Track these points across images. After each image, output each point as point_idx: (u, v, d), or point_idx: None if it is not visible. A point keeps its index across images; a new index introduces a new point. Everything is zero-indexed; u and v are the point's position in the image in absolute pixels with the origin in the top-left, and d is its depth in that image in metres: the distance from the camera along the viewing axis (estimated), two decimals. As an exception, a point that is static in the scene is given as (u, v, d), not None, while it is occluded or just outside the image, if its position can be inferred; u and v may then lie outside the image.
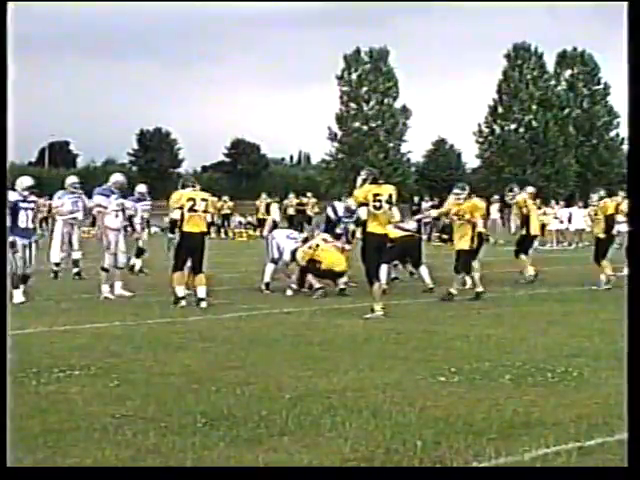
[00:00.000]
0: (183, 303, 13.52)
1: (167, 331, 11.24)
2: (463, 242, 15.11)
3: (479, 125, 72.99)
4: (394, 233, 16.75)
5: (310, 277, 15.50)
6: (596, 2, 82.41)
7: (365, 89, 72.04)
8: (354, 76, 72.35)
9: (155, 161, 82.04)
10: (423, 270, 16.33)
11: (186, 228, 13.86)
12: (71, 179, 18.95)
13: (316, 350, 9.77)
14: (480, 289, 15.10)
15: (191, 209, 13.82)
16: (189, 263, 14.07)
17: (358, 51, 72.78)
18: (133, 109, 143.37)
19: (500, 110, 72.17)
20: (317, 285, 15.20)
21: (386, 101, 72.35)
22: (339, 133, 72.69)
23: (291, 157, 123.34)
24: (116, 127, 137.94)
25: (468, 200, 15.34)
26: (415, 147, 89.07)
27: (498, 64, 72.72)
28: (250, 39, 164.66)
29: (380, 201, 12.72)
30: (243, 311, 13.18)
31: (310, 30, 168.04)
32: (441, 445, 5.98)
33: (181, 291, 13.75)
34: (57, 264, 17.90)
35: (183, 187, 14.36)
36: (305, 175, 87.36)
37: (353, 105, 72.38)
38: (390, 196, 12.88)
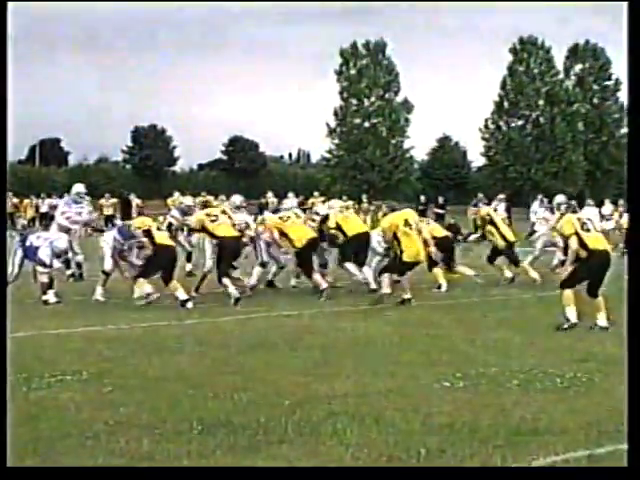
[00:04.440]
0: (190, 305, 13.78)
1: (162, 335, 11.22)
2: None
3: (485, 121, 73.03)
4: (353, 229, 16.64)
5: (317, 277, 15.50)
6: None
7: (365, 84, 71.93)
8: (353, 71, 72.26)
9: (150, 159, 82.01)
10: (367, 270, 16.26)
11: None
12: (77, 187, 18.72)
13: (316, 355, 9.76)
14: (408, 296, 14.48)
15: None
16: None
17: (355, 45, 72.61)
18: (127, 105, 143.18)
19: (506, 106, 72.16)
20: (323, 285, 15.19)
21: (387, 96, 72.26)
22: (337, 129, 72.60)
23: (290, 155, 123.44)
24: (109, 124, 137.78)
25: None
26: (418, 143, 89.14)
27: (504, 58, 72.74)
28: (247, 34, 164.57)
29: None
30: (241, 314, 13.17)
31: (308, 25, 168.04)
32: (446, 453, 5.97)
33: (183, 294, 14.04)
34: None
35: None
36: (305, 174, 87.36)
37: (353, 101, 72.30)
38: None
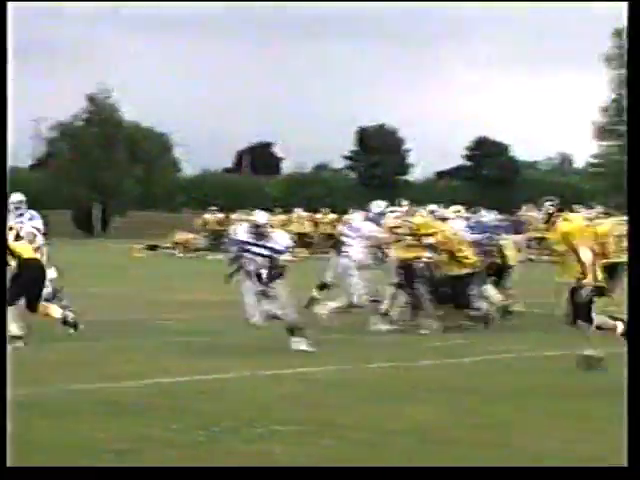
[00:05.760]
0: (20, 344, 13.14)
1: (393, 377, 11.26)
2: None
3: None
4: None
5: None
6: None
7: (644, 71, 70.20)
8: (628, 55, 70.72)
9: (378, 166, 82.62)
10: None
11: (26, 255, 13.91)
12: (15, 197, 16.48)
13: (581, 405, 9.53)
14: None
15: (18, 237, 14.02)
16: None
17: (633, 23, 71.05)
18: (351, 101, 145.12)
19: None
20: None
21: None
22: (607, 128, 71.12)
23: (549, 160, 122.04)
24: (330, 124, 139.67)
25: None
26: None
27: None
28: (498, 14, 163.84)
29: None
30: (488, 354, 13.05)
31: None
32: None
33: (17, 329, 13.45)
34: None
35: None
36: (566, 182, 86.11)
37: (628, 92, 70.73)
38: None
